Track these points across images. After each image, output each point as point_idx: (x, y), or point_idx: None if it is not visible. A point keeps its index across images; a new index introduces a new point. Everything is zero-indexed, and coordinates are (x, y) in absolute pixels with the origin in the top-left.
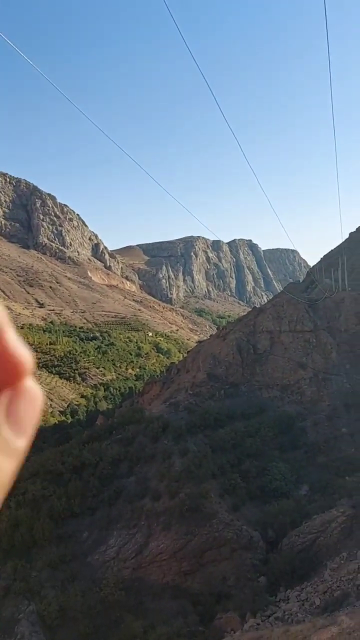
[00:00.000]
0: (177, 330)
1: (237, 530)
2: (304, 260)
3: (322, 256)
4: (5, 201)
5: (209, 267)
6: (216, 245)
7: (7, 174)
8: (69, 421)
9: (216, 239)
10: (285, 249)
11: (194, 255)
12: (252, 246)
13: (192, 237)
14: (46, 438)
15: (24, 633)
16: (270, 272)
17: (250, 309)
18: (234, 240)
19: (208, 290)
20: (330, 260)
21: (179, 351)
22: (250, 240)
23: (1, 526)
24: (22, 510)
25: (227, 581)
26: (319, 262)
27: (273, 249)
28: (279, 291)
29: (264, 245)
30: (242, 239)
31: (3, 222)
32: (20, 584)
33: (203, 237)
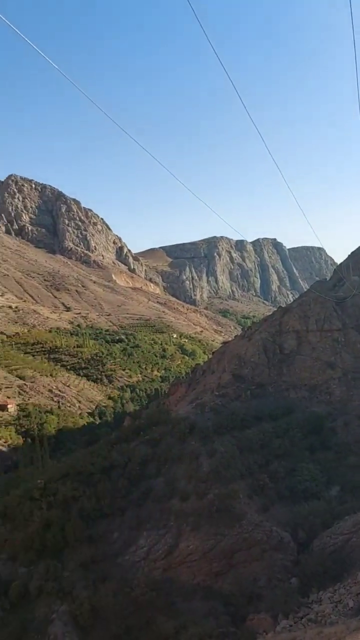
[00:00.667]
0: (202, 331)
1: (267, 531)
2: (330, 257)
3: (349, 253)
4: (31, 207)
5: (232, 267)
6: (240, 245)
7: (32, 180)
8: (97, 422)
9: (240, 238)
10: (310, 247)
11: (217, 256)
12: (276, 245)
13: (215, 237)
14: (75, 439)
15: (57, 633)
16: (295, 271)
17: (275, 309)
18: (257, 240)
19: (232, 290)
20: (358, 256)
21: (204, 352)
22: (275, 239)
23: (33, 527)
24: (53, 511)
25: (258, 582)
26: (346, 259)
27: (298, 247)
28: (305, 290)
29: (288, 243)
30: (266, 238)
31: (30, 228)
32: (52, 584)
33: (226, 237)
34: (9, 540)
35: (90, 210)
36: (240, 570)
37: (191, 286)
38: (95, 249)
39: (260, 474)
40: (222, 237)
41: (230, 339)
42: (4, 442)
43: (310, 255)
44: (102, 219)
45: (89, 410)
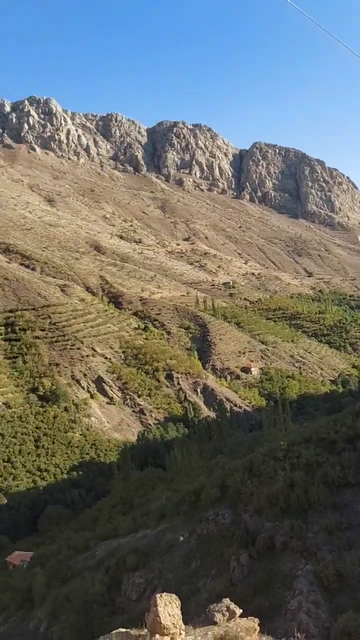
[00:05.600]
0: None
1: None
2: None
3: None
4: (274, 172)
5: None
6: None
7: (276, 145)
8: (340, 391)
9: None
10: None
11: None
12: None
13: None
14: (317, 406)
15: (303, 590)
16: None
17: None
18: None
19: None
20: None
21: None
22: None
23: (278, 485)
24: (296, 472)
25: None
26: None
27: None
28: None
29: None
30: None
31: (273, 194)
32: (297, 543)
33: None
34: (255, 495)
35: (336, 170)
36: None
37: None
38: (340, 210)
39: None
40: None
41: None
42: (249, 403)
43: None
44: (347, 177)
45: (331, 378)
